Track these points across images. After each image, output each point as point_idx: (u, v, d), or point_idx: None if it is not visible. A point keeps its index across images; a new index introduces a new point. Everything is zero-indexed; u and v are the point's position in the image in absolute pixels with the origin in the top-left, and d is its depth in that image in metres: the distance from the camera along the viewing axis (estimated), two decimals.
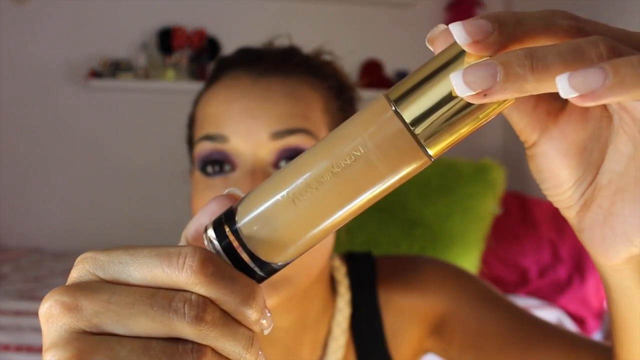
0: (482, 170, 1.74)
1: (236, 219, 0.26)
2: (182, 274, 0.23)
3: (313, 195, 0.25)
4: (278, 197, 0.25)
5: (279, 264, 0.26)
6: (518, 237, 1.81)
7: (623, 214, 0.26)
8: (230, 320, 0.24)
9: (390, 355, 0.60)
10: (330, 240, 0.55)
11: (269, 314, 0.26)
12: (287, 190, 0.25)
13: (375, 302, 0.61)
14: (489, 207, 1.68)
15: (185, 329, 0.23)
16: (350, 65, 0.60)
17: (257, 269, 0.26)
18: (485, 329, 0.57)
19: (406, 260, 0.64)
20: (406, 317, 0.61)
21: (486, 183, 1.72)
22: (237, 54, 0.58)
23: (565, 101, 0.28)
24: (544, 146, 0.28)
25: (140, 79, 2.19)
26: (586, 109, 0.27)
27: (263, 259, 0.26)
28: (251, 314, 0.25)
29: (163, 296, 0.23)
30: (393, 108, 0.24)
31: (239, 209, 0.26)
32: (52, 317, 0.23)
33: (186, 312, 0.23)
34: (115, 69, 2.16)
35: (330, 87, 0.56)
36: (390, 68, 2.40)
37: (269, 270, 0.26)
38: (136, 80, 2.19)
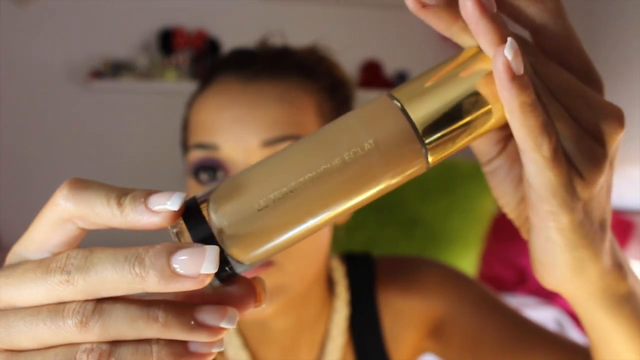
0: (481, 170, 1.75)
1: (209, 212, 0.23)
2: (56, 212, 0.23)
3: (305, 193, 0.23)
4: (265, 192, 0.23)
5: (249, 263, 0.24)
6: (517, 237, 1.81)
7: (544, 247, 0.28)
8: (96, 254, 0.22)
9: (389, 356, 0.60)
10: (325, 245, 0.54)
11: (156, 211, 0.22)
12: (278, 184, 0.23)
13: (374, 303, 0.61)
14: (488, 206, 1.69)
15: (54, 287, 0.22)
16: (350, 66, 0.60)
17: (228, 268, 0.23)
18: (483, 334, 0.57)
19: (406, 262, 0.64)
20: (405, 318, 0.61)
21: (485, 183, 1.72)
22: (228, 57, 0.57)
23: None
24: (495, 164, 0.30)
25: (141, 79, 2.20)
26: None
27: (235, 258, 0.23)
28: (111, 211, 0.22)
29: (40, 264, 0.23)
30: (399, 106, 0.24)
31: (212, 201, 0.23)
32: None
33: (57, 266, 0.22)
34: (116, 69, 2.17)
35: (324, 87, 0.55)
36: (389, 68, 2.41)
37: (234, 271, 0.24)
38: (137, 80, 2.19)
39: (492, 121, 0.25)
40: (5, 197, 2.17)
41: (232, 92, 0.51)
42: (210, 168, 0.50)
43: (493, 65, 0.23)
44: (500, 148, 0.30)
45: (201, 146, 0.50)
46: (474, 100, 0.24)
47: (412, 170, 0.24)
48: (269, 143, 0.49)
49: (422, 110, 0.24)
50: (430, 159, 0.24)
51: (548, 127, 0.24)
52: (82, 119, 2.22)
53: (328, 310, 0.60)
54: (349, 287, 0.61)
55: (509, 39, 0.23)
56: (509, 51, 0.22)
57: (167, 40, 2.22)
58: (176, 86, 2.19)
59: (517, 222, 0.31)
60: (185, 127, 0.56)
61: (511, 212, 0.31)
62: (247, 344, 0.58)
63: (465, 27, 0.25)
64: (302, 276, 0.51)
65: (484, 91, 0.24)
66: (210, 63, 0.59)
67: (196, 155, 0.51)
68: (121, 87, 2.19)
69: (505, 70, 0.22)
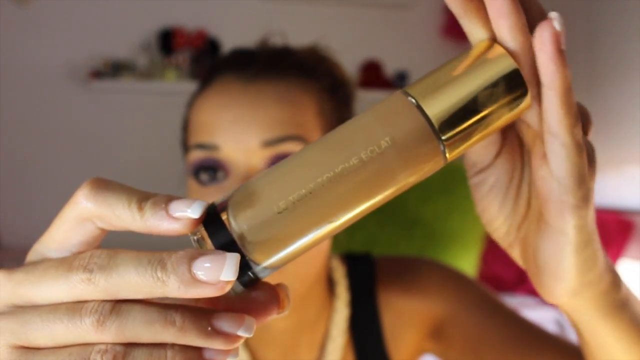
0: None
1: (229, 218, 0.23)
2: (77, 208, 0.23)
3: (324, 194, 0.22)
4: (283, 194, 0.23)
5: (271, 268, 0.24)
6: None
7: (542, 252, 0.28)
8: (120, 255, 0.22)
9: (389, 356, 0.60)
10: (325, 246, 0.54)
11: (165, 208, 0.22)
12: (296, 186, 0.23)
13: (375, 303, 0.61)
14: None
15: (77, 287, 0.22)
16: (350, 66, 0.60)
17: (251, 273, 0.23)
18: (484, 335, 0.57)
19: (406, 262, 0.64)
20: (405, 319, 0.61)
21: None
22: (229, 57, 0.57)
23: (500, 146, 0.30)
24: (482, 176, 0.30)
25: (141, 79, 2.20)
26: (513, 155, 0.30)
27: (257, 262, 0.23)
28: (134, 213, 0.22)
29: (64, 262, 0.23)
30: (414, 102, 0.24)
31: (231, 207, 0.23)
32: None
33: (82, 264, 0.22)
34: (116, 69, 2.17)
35: (324, 87, 0.55)
36: (390, 68, 2.41)
37: (259, 275, 0.24)
38: (137, 80, 2.20)
39: (510, 114, 0.25)
40: (5, 197, 2.17)
41: (232, 92, 0.51)
42: (211, 168, 0.50)
43: (538, 37, 0.23)
44: (491, 160, 0.30)
45: (201, 146, 0.50)
46: (489, 94, 0.24)
47: (430, 166, 0.24)
48: (269, 143, 0.49)
49: (438, 106, 0.23)
50: (448, 155, 0.24)
51: (577, 110, 0.24)
52: (82, 119, 2.22)
53: (328, 310, 0.60)
54: (349, 288, 0.61)
55: (556, 13, 0.23)
56: (558, 23, 0.22)
57: (167, 40, 2.22)
58: (176, 86, 2.19)
59: (504, 242, 0.31)
60: (186, 127, 0.56)
61: (497, 230, 0.30)
62: (247, 344, 0.58)
63: (478, 7, 0.25)
64: (302, 277, 0.51)
65: (502, 83, 0.24)
66: (210, 63, 0.59)
67: (196, 155, 0.51)
68: (121, 87, 2.19)
69: (555, 42, 0.22)
